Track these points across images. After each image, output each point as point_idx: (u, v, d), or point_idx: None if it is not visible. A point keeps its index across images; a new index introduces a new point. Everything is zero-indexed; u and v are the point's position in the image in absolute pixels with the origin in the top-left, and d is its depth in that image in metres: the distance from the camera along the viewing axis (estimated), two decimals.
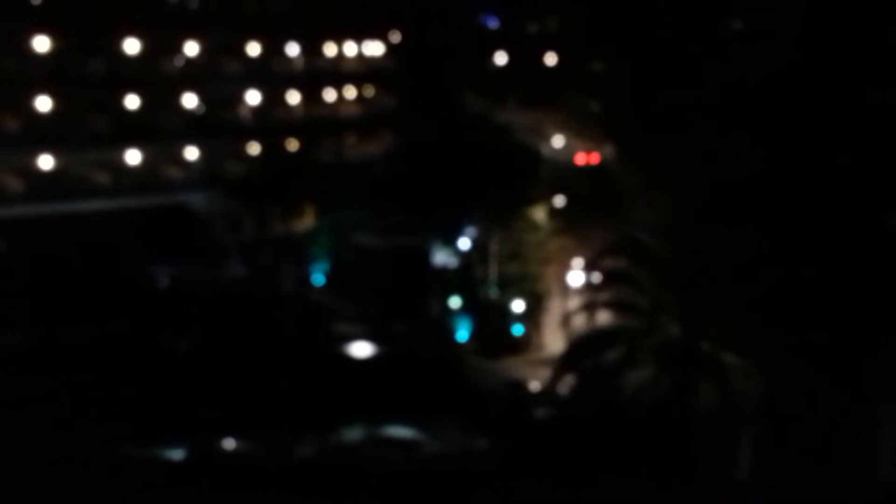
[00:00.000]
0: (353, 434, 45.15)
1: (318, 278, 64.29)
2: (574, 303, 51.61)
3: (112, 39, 66.90)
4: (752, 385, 36.79)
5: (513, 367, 56.52)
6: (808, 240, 36.96)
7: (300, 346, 51.23)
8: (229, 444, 43.23)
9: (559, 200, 68.61)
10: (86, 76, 65.77)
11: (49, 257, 55.00)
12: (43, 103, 63.41)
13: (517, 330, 60.25)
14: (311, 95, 75.92)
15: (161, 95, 68.60)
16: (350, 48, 78.48)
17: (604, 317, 42.12)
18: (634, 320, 39.59)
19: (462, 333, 59.17)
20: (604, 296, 40.77)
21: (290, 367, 47.46)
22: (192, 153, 69.03)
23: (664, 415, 36.70)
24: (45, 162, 63.22)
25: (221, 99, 71.51)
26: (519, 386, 50.39)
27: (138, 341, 49.80)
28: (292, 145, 73.33)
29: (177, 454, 41.32)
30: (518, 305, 60.59)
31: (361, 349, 54.36)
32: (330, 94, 77.33)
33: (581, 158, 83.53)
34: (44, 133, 63.20)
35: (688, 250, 40.27)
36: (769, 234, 38.51)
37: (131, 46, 67.37)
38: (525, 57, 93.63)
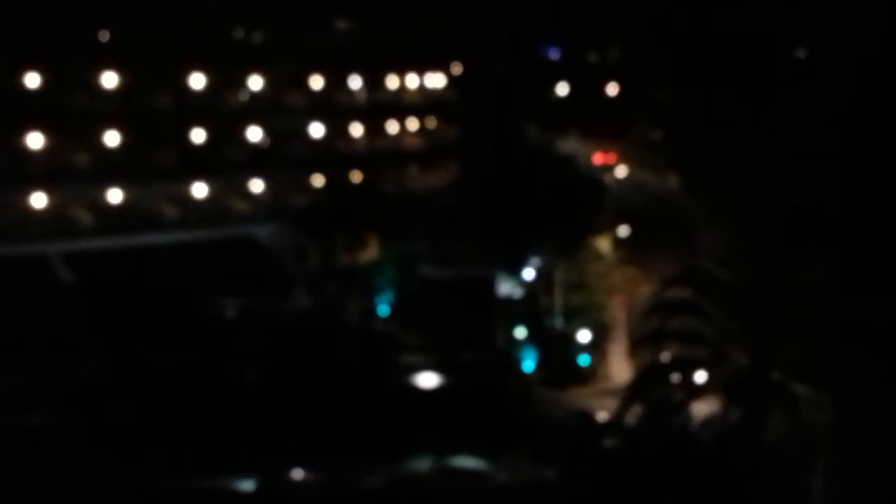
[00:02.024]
0: (421, 464, 45.11)
1: (383, 309, 64.46)
2: None
3: (178, 74, 67.87)
4: (824, 415, 36.41)
5: (579, 397, 56.32)
6: (878, 265, 36.57)
7: (366, 377, 51.35)
8: (298, 474, 43.37)
9: (623, 230, 68.41)
10: (153, 111, 66.73)
11: (118, 290, 55.66)
12: (111, 138, 64.38)
13: (583, 360, 60.02)
14: (374, 127, 76.42)
15: (226, 129, 69.40)
16: (412, 80, 78.96)
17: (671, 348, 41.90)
18: (702, 350, 39.37)
19: (528, 364, 59.04)
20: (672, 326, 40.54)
21: (357, 397, 47.59)
22: (257, 186, 69.70)
23: (733, 446, 36.42)
24: (114, 196, 64.13)
25: (286, 132, 72.18)
26: (586, 416, 50.13)
27: (206, 372, 50.17)
28: (356, 177, 73.80)
29: (246, 484, 41.60)
30: (584, 335, 60.38)
31: (427, 380, 54.40)
32: (392, 126, 77.79)
33: (598, 158, 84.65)
34: (112, 167, 64.17)
35: (755, 278, 40.01)
36: (838, 260, 38.16)
37: (197, 81, 68.27)
38: (587, 87, 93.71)
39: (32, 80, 61.96)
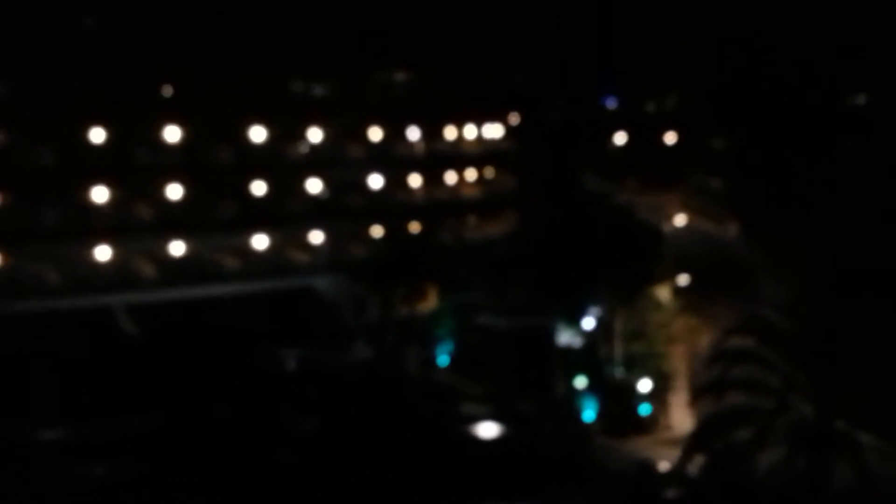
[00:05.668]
0: None
1: (442, 359, 64.51)
2: None
3: (239, 128, 68.81)
4: (891, 465, 35.86)
5: (640, 447, 55.84)
6: None
7: (426, 427, 51.35)
8: None
9: (683, 279, 68.02)
10: (214, 164, 67.64)
11: (181, 341, 56.21)
12: (174, 191, 65.32)
13: (644, 409, 59.59)
14: (433, 178, 76.84)
15: (287, 181, 70.15)
16: (470, 131, 79.38)
17: (733, 397, 41.48)
18: (765, 400, 38.96)
19: (588, 413, 58.70)
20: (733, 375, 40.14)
21: (417, 447, 47.58)
22: (317, 237, 70.25)
23: (798, 497, 35.93)
24: (177, 248, 64.95)
25: (345, 183, 72.76)
26: (647, 466, 49.72)
27: (267, 422, 50.45)
28: (415, 228, 74.11)
29: None
30: (644, 385, 59.98)
31: (488, 430, 54.28)
32: (451, 177, 78.17)
33: None
34: (175, 220, 65.05)
35: (818, 327, 39.58)
36: None
37: (257, 134, 69.18)
38: (645, 136, 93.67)
39: (97, 135, 63.14)
